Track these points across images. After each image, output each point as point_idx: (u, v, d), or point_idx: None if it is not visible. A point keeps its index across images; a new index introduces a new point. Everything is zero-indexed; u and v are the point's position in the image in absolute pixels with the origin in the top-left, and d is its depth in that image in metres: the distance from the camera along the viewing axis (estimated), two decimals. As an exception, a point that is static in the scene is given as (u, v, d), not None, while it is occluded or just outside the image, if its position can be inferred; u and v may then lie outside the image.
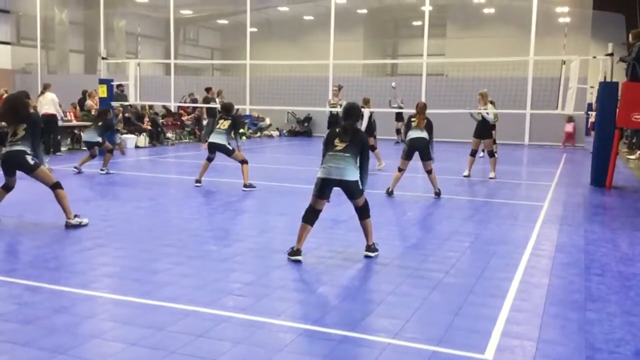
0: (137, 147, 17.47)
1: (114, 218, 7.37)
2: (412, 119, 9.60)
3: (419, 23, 24.90)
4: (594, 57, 12.89)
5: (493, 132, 12.47)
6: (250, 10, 26.15)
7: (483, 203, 9.26)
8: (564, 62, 12.25)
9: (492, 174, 11.99)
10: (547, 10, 23.42)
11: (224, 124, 10.05)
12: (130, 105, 17.37)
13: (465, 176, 12.02)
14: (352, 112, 5.71)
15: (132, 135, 17.71)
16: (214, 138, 10.08)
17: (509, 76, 20.58)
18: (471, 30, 27.45)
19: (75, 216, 6.82)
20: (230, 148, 10.01)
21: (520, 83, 21.17)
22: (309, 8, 31.23)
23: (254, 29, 27.11)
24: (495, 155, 12.44)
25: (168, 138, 19.83)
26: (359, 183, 5.56)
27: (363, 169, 5.59)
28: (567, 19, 24.81)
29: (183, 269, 5.19)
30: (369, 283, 4.98)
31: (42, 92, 15.35)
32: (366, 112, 12.31)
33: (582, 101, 18.87)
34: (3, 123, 7.54)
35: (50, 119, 14.74)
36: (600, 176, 11.07)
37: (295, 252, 5.49)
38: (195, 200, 9.00)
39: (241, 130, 18.32)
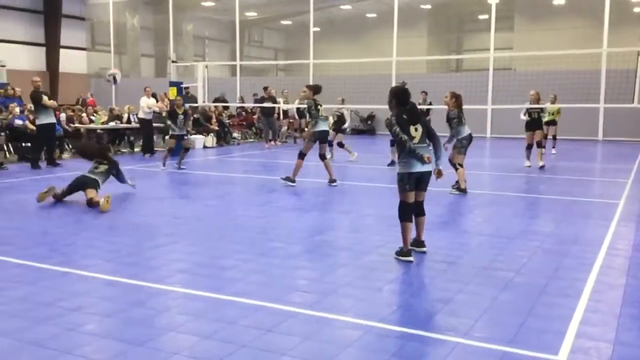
0: (205, 147, 17.94)
1: (185, 216, 7.62)
2: (462, 115, 9.42)
3: (485, 16, 24.31)
4: (673, 47, 12.21)
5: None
6: (314, 10, 26.31)
7: (554, 201, 8.97)
8: (639, 54, 11.68)
9: (541, 163, 12.64)
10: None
11: (322, 109, 9.86)
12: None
13: (527, 166, 12.70)
14: (409, 93, 5.55)
15: (200, 136, 18.20)
16: (325, 126, 9.94)
17: (581, 69, 19.80)
18: (540, 23, 26.56)
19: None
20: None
21: (592, 76, 20.30)
22: (371, 5, 31.10)
23: (317, 29, 27.25)
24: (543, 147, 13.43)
25: (234, 138, 20.26)
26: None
27: (438, 144, 5.59)
28: (644, 8, 23.63)
29: (251, 265, 5.31)
30: (436, 281, 4.94)
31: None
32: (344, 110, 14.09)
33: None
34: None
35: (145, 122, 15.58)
36: (682, 172, 10.49)
37: (406, 252, 5.42)
38: (261, 198, 9.17)
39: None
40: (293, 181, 10.01)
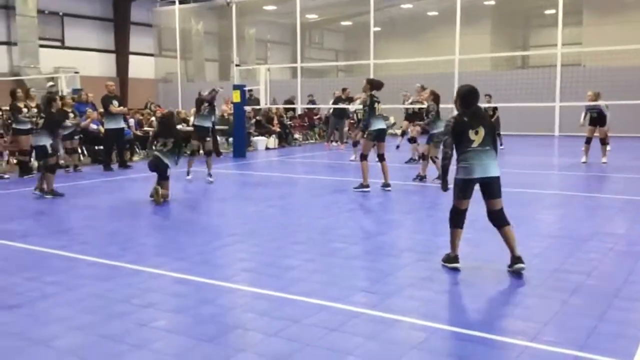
0: (267, 148, 18.22)
1: (248, 216, 7.77)
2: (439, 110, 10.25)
3: (552, 11, 23.52)
4: None
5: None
6: (374, 10, 26.24)
7: (626, 201, 8.59)
8: None
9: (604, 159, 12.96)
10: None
11: (379, 107, 9.44)
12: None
13: (583, 162, 12.99)
14: (477, 94, 5.19)
15: (263, 137, 18.50)
16: (382, 124, 9.43)
17: (655, 64, 18.87)
18: (611, 16, 25.46)
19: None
20: None
21: (668, 71, 19.34)
22: (433, 4, 30.67)
23: (378, 29, 27.14)
24: (607, 143, 13.51)
25: (296, 139, 20.46)
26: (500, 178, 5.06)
27: (496, 151, 5.16)
28: None
29: (314, 265, 5.36)
30: (503, 284, 4.83)
31: None
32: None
33: None
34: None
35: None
36: None
37: (452, 259, 5.17)
38: (323, 199, 9.23)
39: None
40: (366, 186, 9.50)
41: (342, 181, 10.86)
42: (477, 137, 4.99)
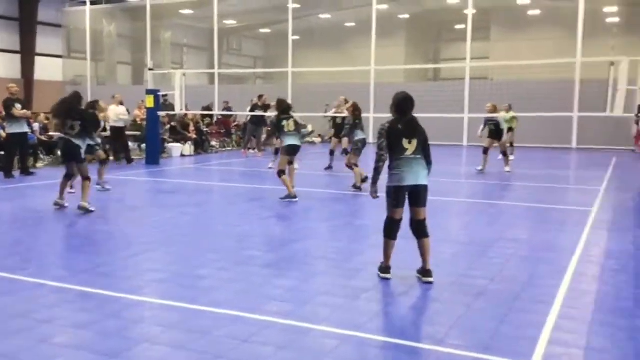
0: (182, 155, 17.83)
1: (160, 225, 7.56)
2: (359, 122, 10.79)
3: (462, 26, 24.61)
4: (645, 58, 12.48)
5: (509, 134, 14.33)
6: (293, 19, 26.41)
7: (528, 208, 9.09)
8: (612, 64, 11.92)
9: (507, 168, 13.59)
10: (594, 11, 22.81)
11: (291, 124, 9.59)
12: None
13: (478, 170, 13.61)
14: (412, 102, 5.17)
15: (178, 144, 18.09)
16: (294, 140, 9.59)
17: (556, 79, 20.14)
18: (516, 33, 26.96)
19: (88, 202, 8.16)
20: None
21: (567, 86, 20.68)
22: (350, 15, 31.27)
23: (296, 37, 27.33)
24: (508, 154, 14.17)
25: (213, 146, 20.17)
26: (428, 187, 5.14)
27: (430, 165, 5.19)
28: (616, 19, 24.14)
29: (228, 274, 5.29)
30: (412, 290, 4.96)
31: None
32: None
33: (633, 103, 18.29)
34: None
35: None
36: (653, 180, 10.71)
37: (384, 269, 5.18)
38: (239, 207, 9.14)
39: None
40: (294, 196, 9.43)
41: (258, 189, 10.81)
42: (410, 146, 5.05)
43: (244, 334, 3.88)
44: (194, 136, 19.00)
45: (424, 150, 5.15)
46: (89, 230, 7.30)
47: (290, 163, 9.92)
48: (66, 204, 8.43)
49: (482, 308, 4.45)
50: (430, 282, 5.04)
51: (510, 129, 17.07)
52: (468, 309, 4.42)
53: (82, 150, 8.45)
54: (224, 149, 20.71)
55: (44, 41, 28.24)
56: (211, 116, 21.57)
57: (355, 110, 10.84)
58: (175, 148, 17.80)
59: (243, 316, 4.22)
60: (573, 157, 19.27)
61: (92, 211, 8.10)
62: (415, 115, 5.23)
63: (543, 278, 5.24)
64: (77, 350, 3.65)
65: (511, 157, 16.71)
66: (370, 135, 17.18)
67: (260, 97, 18.76)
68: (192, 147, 18.67)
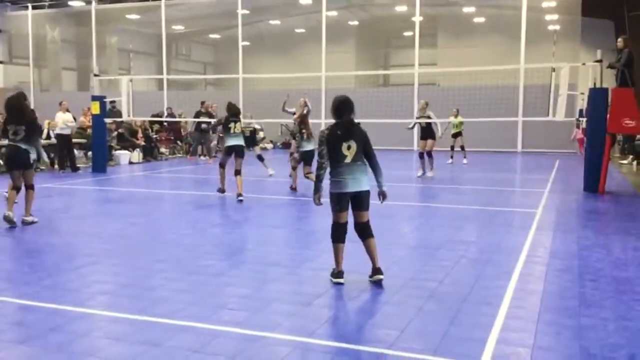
0: (130, 162, 17.45)
1: (107, 235, 7.36)
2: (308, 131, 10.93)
3: (410, 33, 25.03)
4: (584, 64, 12.98)
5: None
6: (242, 25, 26.29)
7: (476, 211, 9.29)
8: (553, 70, 12.34)
9: (430, 173, 13.53)
10: (536, 18, 23.61)
11: (237, 127, 10.36)
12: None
13: (418, 176, 13.52)
14: (349, 105, 5.17)
15: (126, 151, 17.70)
16: (236, 141, 10.32)
17: (501, 84, 20.71)
18: (462, 40, 27.61)
19: (31, 215, 7.90)
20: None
21: (511, 91, 21.31)
22: (300, 21, 31.38)
23: (247, 43, 27.22)
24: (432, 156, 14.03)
25: (162, 153, 19.83)
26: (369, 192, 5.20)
27: (376, 167, 5.22)
28: (557, 27, 25.03)
29: (178, 284, 5.19)
30: (364, 294, 4.98)
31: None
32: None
33: (573, 107, 18.99)
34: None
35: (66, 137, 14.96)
36: (593, 182, 11.13)
37: (336, 274, 5.19)
38: (189, 215, 9.00)
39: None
40: (222, 190, 10.46)
41: (209, 196, 10.67)
42: (349, 152, 5.07)
43: (195, 344, 3.81)
44: (143, 143, 18.64)
45: (367, 155, 5.19)
46: (32, 241, 7.04)
47: (238, 173, 10.18)
48: (14, 219, 7.67)
49: (432, 310, 4.50)
50: (381, 280, 5.14)
51: (458, 133, 17.65)
52: (418, 311, 4.46)
53: (31, 156, 7.83)
54: (173, 156, 20.38)
55: (-16, 46, 27.24)
56: (161, 122, 21.21)
57: (302, 122, 10.96)
58: (123, 155, 17.41)
59: (194, 326, 4.14)
60: (518, 160, 19.84)
61: (35, 222, 7.82)
62: (366, 120, 5.30)
63: (491, 279, 5.34)
64: (18, 367, 3.50)
65: (464, 161, 17.14)
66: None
67: (202, 103, 18.62)
68: (141, 154, 18.30)
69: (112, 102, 17.04)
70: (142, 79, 28.71)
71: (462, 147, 17.68)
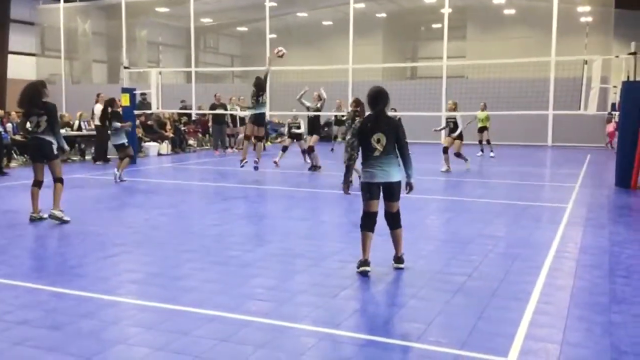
0: (159, 154, 17.67)
1: (137, 225, 7.47)
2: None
3: (439, 25, 24.77)
4: (617, 57, 12.72)
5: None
6: (270, 17, 26.33)
7: (506, 205, 9.18)
8: (585, 62, 12.10)
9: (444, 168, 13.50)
10: (568, 10, 23.15)
11: (264, 98, 11.75)
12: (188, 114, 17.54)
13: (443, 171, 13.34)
14: (382, 96, 5.22)
15: (155, 143, 17.92)
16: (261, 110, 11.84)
17: (531, 77, 20.39)
18: (492, 32, 27.25)
19: (61, 210, 7.53)
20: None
21: (542, 84, 20.96)
22: (327, 13, 31.31)
23: (274, 36, 27.25)
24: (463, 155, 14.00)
25: (190, 145, 20.02)
26: (402, 182, 5.29)
27: (405, 158, 5.27)
28: (589, 18, 24.52)
29: (206, 274, 5.25)
30: (391, 287, 4.98)
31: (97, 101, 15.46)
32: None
33: (605, 101, 18.61)
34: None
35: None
36: (625, 177, 10.91)
37: (361, 262, 5.22)
38: (217, 206, 9.08)
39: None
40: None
41: (236, 188, 10.75)
42: (379, 144, 5.15)
43: (222, 334, 3.85)
44: (171, 135, 18.84)
45: (398, 147, 5.25)
46: (64, 231, 7.18)
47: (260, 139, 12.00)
48: (45, 215, 7.65)
49: (460, 304, 4.48)
50: (401, 268, 5.34)
51: (485, 128, 17.46)
52: (446, 305, 4.44)
53: (55, 147, 7.58)
54: (201, 148, 20.56)
55: (17, 39, 27.71)
56: (189, 115, 21.42)
57: (357, 106, 10.17)
58: (152, 147, 17.63)
59: (222, 316, 4.19)
60: (549, 154, 19.53)
61: (67, 221, 7.44)
62: (393, 113, 5.31)
63: (520, 274, 5.29)
64: (50, 352, 3.58)
65: (491, 154, 16.98)
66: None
67: (215, 96, 18.85)
68: (169, 146, 18.51)
69: (143, 94, 17.28)
70: (171, 71, 29.00)
71: (488, 141, 17.53)
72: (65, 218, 7.48)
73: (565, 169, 14.72)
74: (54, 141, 7.57)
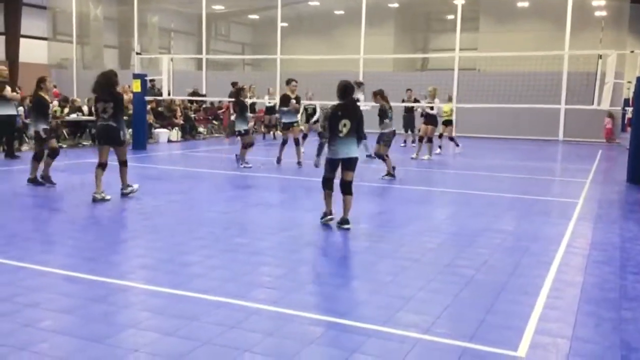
0: (169, 141, 17.70)
1: (148, 211, 7.50)
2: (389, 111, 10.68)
3: (452, 17, 24.58)
4: (632, 52, 12.59)
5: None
6: (281, 6, 26.22)
7: (515, 199, 9.14)
8: (600, 57, 11.98)
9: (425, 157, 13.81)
10: (582, 4, 22.90)
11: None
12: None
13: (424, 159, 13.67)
14: (350, 89, 6.56)
15: (165, 130, 17.95)
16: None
17: (544, 71, 20.21)
18: (505, 24, 26.99)
19: (129, 185, 8.34)
20: None
21: (555, 78, 20.77)
22: (339, 2, 31.11)
23: (285, 24, 27.15)
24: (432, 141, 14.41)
25: (200, 132, 20.04)
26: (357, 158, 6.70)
27: (359, 139, 6.66)
28: (604, 13, 24.23)
29: (215, 261, 5.26)
30: (399, 278, 4.97)
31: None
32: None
33: (619, 96, 18.45)
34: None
35: None
36: (637, 173, 10.82)
37: (326, 214, 6.65)
38: (226, 194, 9.10)
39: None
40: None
41: (246, 176, 10.76)
42: (345, 128, 6.45)
43: (231, 320, 3.87)
44: (182, 122, 18.86)
45: (358, 131, 6.58)
46: (75, 215, 7.22)
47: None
48: (108, 197, 7.96)
49: (469, 298, 4.47)
50: (347, 229, 6.38)
51: (449, 122, 16.24)
52: (455, 298, 4.43)
53: (122, 133, 8.09)
54: (211, 135, 20.58)
55: (29, 23, 27.79)
56: (199, 102, 21.43)
57: (382, 98, 10.53)
58: (163, 133, 17.67)
59: (230, 302, 4.20)
60: (560, 149, 19.40)
61: (135, 190, 8.35)
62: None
63: (529, 268, 5.27)
64: (62, 335, 3.61)
65: (457, 150, 16.21)
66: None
67: (250, 87, 18.91)
68: (179, 133, 18.54)
69: (152, 80, 17.27)
70: (182, 58, 28.99)
71: (452, 138, 16.59)
72: (134, 187, 8.38)
73: (577, 164, 14.63)
74: (121, 128, 8.10)
